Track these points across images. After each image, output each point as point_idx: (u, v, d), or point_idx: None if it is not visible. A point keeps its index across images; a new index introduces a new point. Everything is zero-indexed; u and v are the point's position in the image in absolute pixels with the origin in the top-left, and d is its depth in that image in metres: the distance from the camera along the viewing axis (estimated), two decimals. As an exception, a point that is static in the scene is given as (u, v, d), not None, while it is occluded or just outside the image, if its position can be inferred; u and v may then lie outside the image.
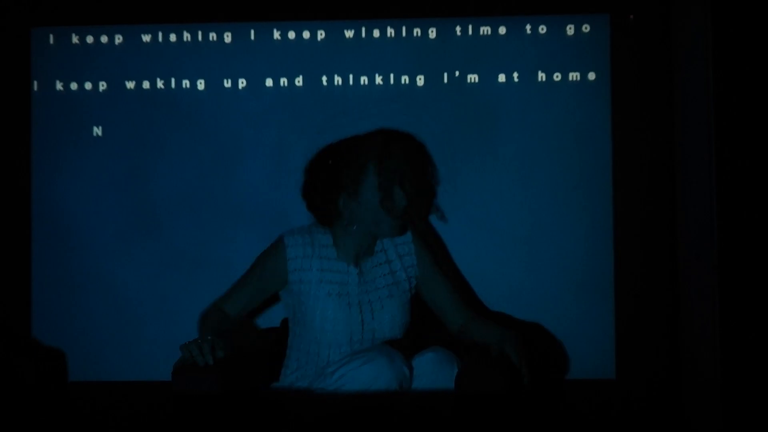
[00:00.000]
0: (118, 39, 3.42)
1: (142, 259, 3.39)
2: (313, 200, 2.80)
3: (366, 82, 3.37)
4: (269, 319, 3.22)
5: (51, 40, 3.42)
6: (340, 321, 2.71)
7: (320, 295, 2.70)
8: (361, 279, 2.73)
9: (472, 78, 3.37)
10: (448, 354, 2.67)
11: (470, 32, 3.36)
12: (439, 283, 2.83)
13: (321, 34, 3.39)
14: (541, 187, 3.37)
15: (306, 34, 3.39)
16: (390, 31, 3.38)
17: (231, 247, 3.32)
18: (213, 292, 3.03)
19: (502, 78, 3.38)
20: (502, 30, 3.36)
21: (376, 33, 3.38)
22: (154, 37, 3.42)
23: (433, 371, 2.64)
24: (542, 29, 3.37)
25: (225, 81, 3.40)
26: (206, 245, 3.38)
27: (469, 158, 3.35)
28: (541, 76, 3.37)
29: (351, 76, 3.38)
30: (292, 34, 3.39)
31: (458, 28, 3.37)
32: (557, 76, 3.37)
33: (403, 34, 3.36)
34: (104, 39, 3.43)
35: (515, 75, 3.38)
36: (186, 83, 3.40)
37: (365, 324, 2.73)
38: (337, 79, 3.37)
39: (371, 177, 2.72)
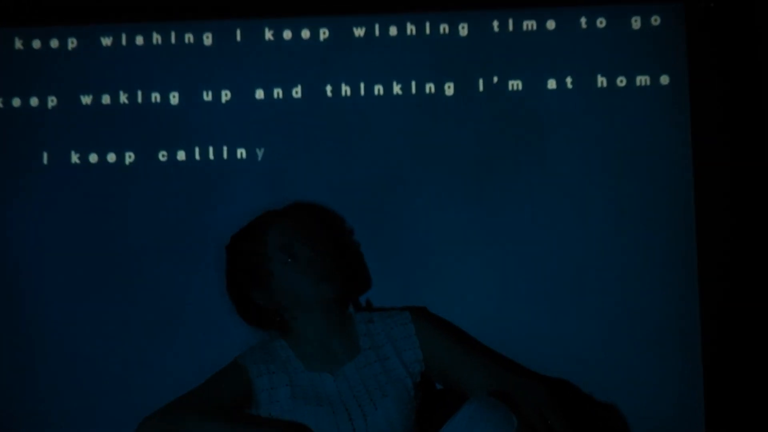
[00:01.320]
0: (72, 43, 2.94)
1: (104, 312, 2.89)
2: (243, 312, 2.58)
3: (381, 92, 2.89)
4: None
5: (-13, 46, 2.95)
6: (323, 422, 2.39)
7: (297, 407, 2.40)
8: (343, 385, 2.41)
9: (515, 85, 2.89)
10: (499, 408, 2.20)
11: (511, 28, 2.89)
12: (460, 364, 2.46)
13: (324, 34, 2.92)
14: (601, 219, 2.87)
15: (305, 34, 2.92)
16: (410, 29, 2.90)
17: (213, 296, 2.78)
18: (190, 353, 2.79)
19: (551, 84, 2.89)
20: (551, 24, 2.89)
21: (393, 31, 2.91)
22: (116, 40, 2.93)
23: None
24: (601, 23, 2.89)
25: (204, 93, 2.92)
26: (183, 295, 2.89)
27: (511, 183, 2.87)
28: (601, 81, 2.89)
29: (362, 85, 2.90)
30: (287, 34, 2.92)
31: (496, 23, 2.90)
32: (621, 81, 2.88)
33: (427, 31, 2.90)
34: (54, 44, 2.95)
35: (568, 80, 2.89)
36: (156, 97, 2.91)
37: (357, 429, 2.37)
38: (345, 89, 2.90)
39: (269, 247, 2.48)
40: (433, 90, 2.89)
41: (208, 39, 2.92)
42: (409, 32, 2.90)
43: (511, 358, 2.79)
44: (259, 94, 2.91)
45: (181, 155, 2.91)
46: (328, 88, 2.91)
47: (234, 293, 2.56)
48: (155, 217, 2.90)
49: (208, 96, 2.92)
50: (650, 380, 2.82)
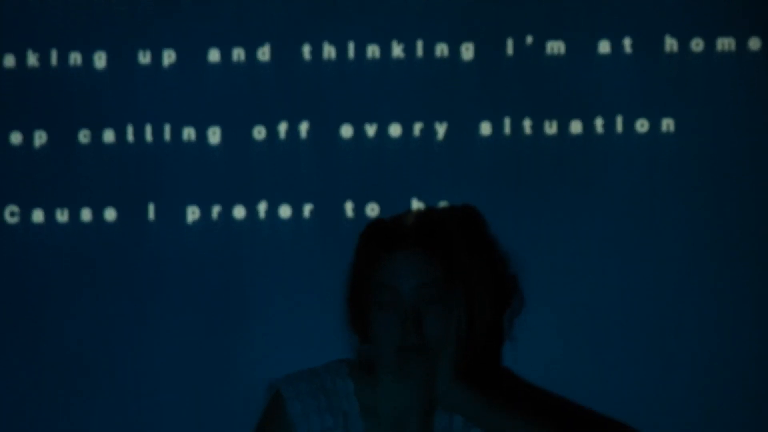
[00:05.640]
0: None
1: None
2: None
3: (376, 55, 2.48)
4: None
5: None
6: None
7: None
8: None
9: (555, 47, 2.49)
10: None
11: (551, -27, 2.54)
12: None
13: (300, -23, 2.54)
14: (662, 232, 2.46)
15: (275, -23, 2.55)
16: (415, -30, 2.54)
17: (148, 336, 2.40)
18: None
19: (604, 48, 2.49)
20: (604, -31, 2.55)
21: (392, -26, 2.54)
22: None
23: None
24: (669, -32, 2.54)
25: (140, 54, 2.49)
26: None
27: (553, 187, 2.47)
28: (670, 44, 2.48)
29: (351, 45, 2.48)
30: (251, -24, 2.55)
31: (530, -34, 2.54)
32: (697, 45, 2.48)
33: (437, -25, 2.54)
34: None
35: (626, 42, 2.48)
36: (76, 59, 2.48)
37: None
38: (328, 50, 2.49)
39: (376, 273, 2.04)
40: (445, 53, 2.48)
41: (146, -19, 2.51)
42: (413, -25, 2.51)
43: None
44: (213, 55, 2.48)
45: (108, 136, 2.47)
46: (306, 50, 2.48)
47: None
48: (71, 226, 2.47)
49: (145, 58, 2.48)
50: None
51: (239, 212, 2.38)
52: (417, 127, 2.39)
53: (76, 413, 2.44)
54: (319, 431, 2.00)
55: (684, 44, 2.47)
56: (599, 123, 2.42)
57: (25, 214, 2.39)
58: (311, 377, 2.04)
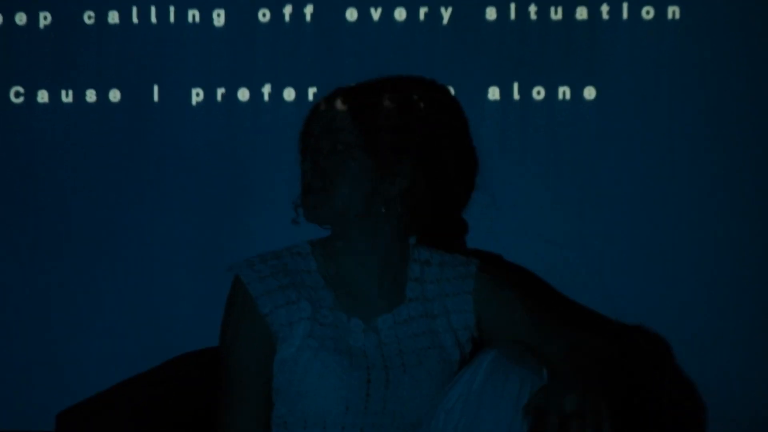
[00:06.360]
0: None
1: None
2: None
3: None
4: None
5: None
6: (331, 377, 1.97)
7: (309, 350, 1.99)
8: (371, 340, 2.03)
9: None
10: (525, 359, 1.90)
11: None
12: (527, 337, 2.05)
13: None
14: (666, 118, 2.37)
15: None
16: None
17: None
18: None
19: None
20: None
21: None
22: None
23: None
24: None
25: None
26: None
27: (557, 72, 2.36)
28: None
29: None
30: None
31: None
32: None
33: None
34: None
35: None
36: (46, 17, 2.38)
37: (373, 390, 1.98)
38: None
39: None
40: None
41: None
42: None
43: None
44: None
45: (113, 17, 2.39)
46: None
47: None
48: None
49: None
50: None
51: (243, 95, 2.33)
52: (422, 12, 2.33)
53: (78, 294, 2.41)
54: (283, 304, 1.98)
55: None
56: (605, 9, 2.34)
57: (30, 95, 2.35)
58: (272, 259, 2.02)
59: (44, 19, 2.36)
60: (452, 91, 2.31)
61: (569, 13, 2.34)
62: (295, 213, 1.98)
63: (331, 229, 1.99)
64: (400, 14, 2.32)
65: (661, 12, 2.34)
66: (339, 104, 1.95)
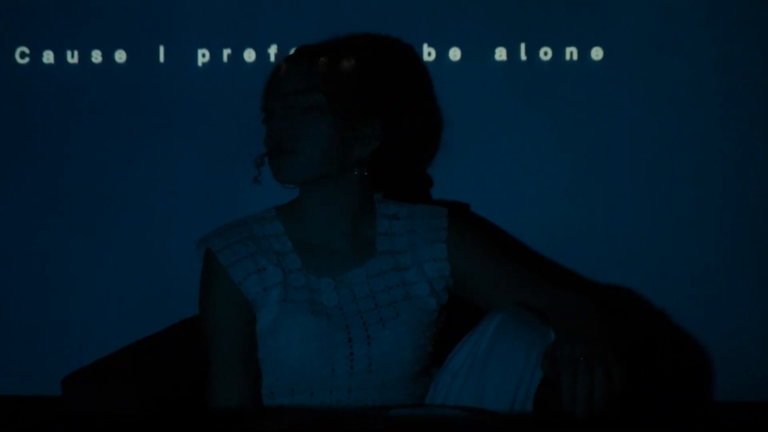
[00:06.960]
0: None
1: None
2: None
3: None
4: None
5: None
6: (314, 341, 1.96)
7: (286, 314, 1.97)
8: (347, 296, 2.01)
9: None
10: (530, 320, 1.85)
11: None
12: (499, 285, 2.05)
13: None
14: (672, 78, 2.31)
15: None
16: None
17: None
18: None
19: None
20: None
21: None
22: None
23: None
24: None
25: None
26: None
27: (559, 27, 2.30)
28: None
29: None
30: None
31: None
32: None
33: None
34: None
35: None
36: None
37: (356, 348, 1.96)
38: None
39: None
40: None
41: None
42: None
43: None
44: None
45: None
46: None
47: None
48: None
49: None
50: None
51: (249, 55, 2.29)
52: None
53: (83, 258, 2.39)
54: (254, 271, 1.96)
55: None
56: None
57: (36, 55, 2.32)
58: (239, 227, 2.00)
59: (49, -21, 2.31)
60: (459, 52, 2.29)
61: (577, -28, 2.31)
62: (258, 172, 1.96)
63: (299, 190, 1.98)
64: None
65: (669, -29, 2.31)
66: (307, 63, 1.93)
